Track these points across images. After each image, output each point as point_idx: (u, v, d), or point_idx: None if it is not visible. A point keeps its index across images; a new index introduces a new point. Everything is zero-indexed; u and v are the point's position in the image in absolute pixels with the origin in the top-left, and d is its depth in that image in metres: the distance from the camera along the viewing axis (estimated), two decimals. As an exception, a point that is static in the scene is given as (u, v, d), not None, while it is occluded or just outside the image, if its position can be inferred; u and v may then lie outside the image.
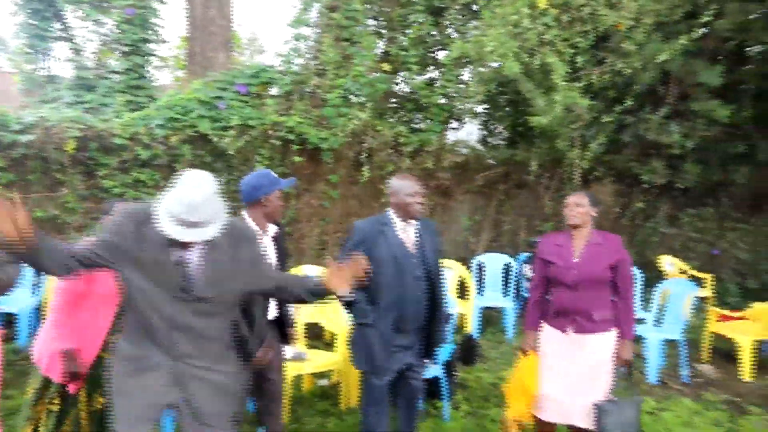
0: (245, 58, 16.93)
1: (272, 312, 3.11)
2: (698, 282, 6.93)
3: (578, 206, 3.11)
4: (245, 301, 2.53)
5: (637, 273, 6.27)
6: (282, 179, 3.04)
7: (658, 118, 5.82)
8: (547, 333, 3.26)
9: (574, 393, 3.11)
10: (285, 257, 3.21)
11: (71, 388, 2.81)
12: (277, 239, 3.12)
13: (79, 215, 5.31)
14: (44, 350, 2.82)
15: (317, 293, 2.33)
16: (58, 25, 6.54)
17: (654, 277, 6.75)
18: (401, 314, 3.10)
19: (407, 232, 3.14)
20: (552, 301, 3.25)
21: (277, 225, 3.15)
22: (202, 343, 2.24)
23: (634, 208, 7.62)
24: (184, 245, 2.08)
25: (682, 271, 7.39)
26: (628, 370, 3.18)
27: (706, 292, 7.12)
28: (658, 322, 5.51)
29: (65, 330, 2.77)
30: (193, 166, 5.67)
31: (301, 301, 2.46)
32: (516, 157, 6.94)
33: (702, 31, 5.36)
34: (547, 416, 3.20)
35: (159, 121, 5.43)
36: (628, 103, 5.49)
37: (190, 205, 1.96)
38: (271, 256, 3.06)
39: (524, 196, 7.41)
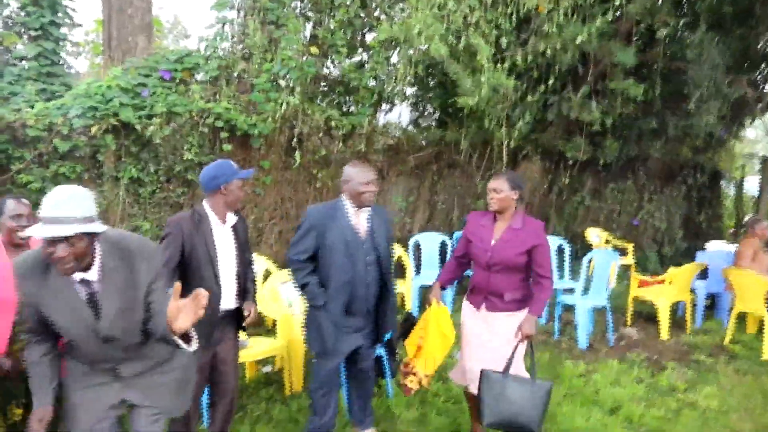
0: (168, 43, 16.29)
1: (229, 303, 3.08)
2: (621, 251, 7.37)
3: (496, 192, 3.16)
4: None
5: (565, 245, 6.58)
6: (242, 170, 3.07)
7: (579, 98, 6.08)
8: (465, 308, 3.42)
9: (485, 365, 3.19)
10: (246, 246, 3.19)
11: None
12: (237, 229, 3.12)
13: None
14: None
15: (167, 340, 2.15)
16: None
17: (582, 248, 7.11)
18: (351, 297, 3.18)
19: (359, 219, 3.21)
20: (470, 278, 3.40)
21: (237, 215, 3.14)
22: (142, 364, 2.31)
23: (561, 183, 7.96)
24: (87, 282, 2.07)
25: (607, 242, 7.82)
26: (530, 346, 3.25)
27: (629, 260, 7.59)
28: (586, 291, 5.82)
29: None
30: (118, 158, 5.44)
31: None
32: (447, 138, 7.07)
33: (617, 13, 5.63)
34: (472, 387, 3.28)
35: (77, 110, 5.15)
36: (551, 82, 5.70)
37: (53, 202, 1.93)
38: (229, 245, 3.06)
39: (456, 176, 7.58)
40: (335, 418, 3.41)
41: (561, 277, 6.52)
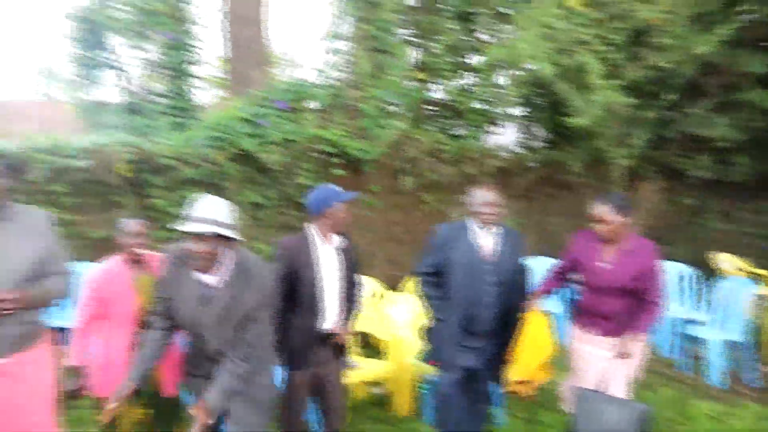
0: (283, 74, 17.31)
1: (332, 322, 3.17)
2: (757, 279, 6.69)
3: (604, 223, 3.03)
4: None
5: (688, 271, 6.10)
6: (344, 192, 3.17)
7: (701, 112, 5.65)
8: (574, 332, 3.31)
9: (595, 384, 3.11)
10: (354, 267, 3.28)
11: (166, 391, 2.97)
12: (346, 250, 3.22)
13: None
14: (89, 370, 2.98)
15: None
16: (105, 54, 6.82)
17: (707, 274, 6.55)
18: (471, 316, 3.21)
19: (485, 239, 3.22)
20: (579, 300, 3.28)
21: (345, 236, 3.23)
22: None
23: (683, 205, 7.41)
24: (205, 284, 2.43)
25: (740, 269, 7.13)
26: (633, 369, 3.14)
27: (766, 290, 6.86)
28: (718, 323, 5.35)
29: (79, 347, 2.91)
30: (240, 183, 5.82)
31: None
32: (557, 159, 6.86)
33: (745, 18, 5.20)
34: None
35: (204, 140, 5.60)
36: (670, 98, 5.35)
37: (200, 206, 2.37)
38: (335, 266, 3.15)
39: (568, 198, 7.30)
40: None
41: (685, 306, 6.04)
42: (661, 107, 5.59)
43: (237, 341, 2.46)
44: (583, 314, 3.24)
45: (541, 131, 7.64)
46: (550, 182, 7.21)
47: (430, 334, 3.40)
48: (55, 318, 3.15)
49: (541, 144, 7.62)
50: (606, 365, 3.11)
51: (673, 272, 6.14)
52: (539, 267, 6.41)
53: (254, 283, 2.44)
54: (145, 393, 2.91)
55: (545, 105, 7.10)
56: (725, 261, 7.19)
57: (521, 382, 3.29)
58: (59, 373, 2.70)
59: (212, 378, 2.50)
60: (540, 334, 3.23)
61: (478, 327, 3.23)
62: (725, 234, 7.61)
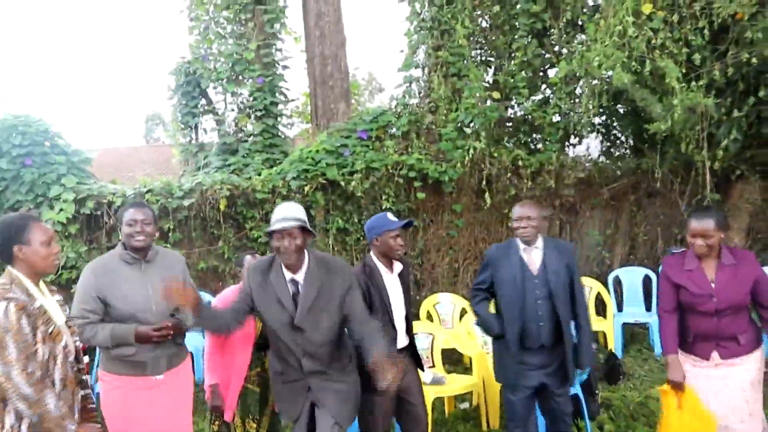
0: (365, 99, 17.95)
1: (402, 341, 3.34)
2: None
3: (706, 237, 2.90)
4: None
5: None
6: (396, 220, 3.31)
7: (801, 105, 5.32)
8: (687, 361, 3.06)
9: (730, 421, 2.92)
10: (408, 294, 3.45)
11: (227, 416, 3.27)
12: (402, 275, 3.38)
13: (233, 264, 6.00)
14: (206, 386, 3.35)
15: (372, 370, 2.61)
16: (203, 101, 7.52)
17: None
18: (524, 331, 3.25)
19: (530, 255, 3.30)
20: (688, 327, 3.06)
21: (403, 262, 3.41)
22: (324, 363, 2.81)
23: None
24: (294, 282, 2.74)
25: None
26: None
27: None
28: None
29: (213, 368, 3.28)
30: (327, 211, 6.18)
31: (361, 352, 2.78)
32: (643, 166, 6.68)
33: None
34: None
35: (293, 173, 6.02)
36: (761, 94, 5.10)
37: (281, 210, 2.75)
38: (398, 290, 3.33)
39: (658, 205, 7.06)
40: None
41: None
42: (753, 104, 5.32)
43: (354, 329, 2.79)
44: (701, 341, 3.03)
45: (625, 139, 7.46)
46: (637, 190, 7.02)
47: (494, 356, 3.47)
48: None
49: (626, 152, 7.44)
50: (737, 388, 2.94)
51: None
52: (631, 277, 6.29)
53: (337, 274, 2.78)
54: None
55: (627, 112, 6.96)
56: None
57: None
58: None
59: (308, 381, 2.81)
60: (699, 408, 2.94)
61: (533, 341, 3.25)
62: None
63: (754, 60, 4.83)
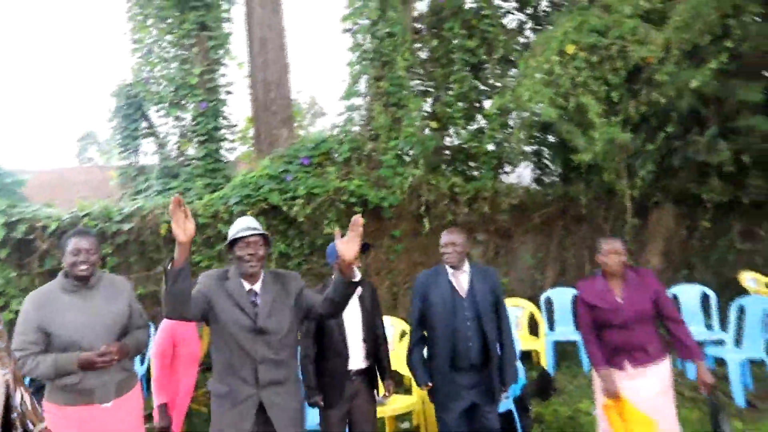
0: (307, 122, 18.09)
1: (358, 363, 3.46)
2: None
3: (617, 254, 3.31)
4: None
5: (710, 293, 6.20)
6: None
7: (705, 140, 5.89)
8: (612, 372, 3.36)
9: None
10: (374, 310, 3.62)
11: None
12: (363, 297, 3.55)
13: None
14: (155, 406, 3.38)
15: (339, 280, 2.71)
16: (144, 124, 7.47)
17: (735, 296, 6.62)
18: (454, 353, 3.43)
19: (458, 278, 3.50)
20: (604, 342, 3.39)
21: (364, 283, 3.53)
22: (280, 373, 2.78)
23: (702, 228, 7.53)
24: (253, 292, 2.79)
25: (767, 285, 7.15)
26: (714, 395, 3.32)
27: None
28: (743, 342, 5.43)
29: (161, 387, 3.31)
30: (269, 234, 6.24)
31: (338, 300, 2.80)
32: (570, 193, 7.12)
33: (735, 50, 5.49)
34: None
35: (235, 198, 6.07)
36: (670, 129, 5.63)
37: (245, 221, 2.88)
38: (355, 312, 3.50)
39: (585, 229, 7.53)
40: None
41: (709, 327, 6.13)
42: (664, 138, 5.84)
43: (316, 306, 2.84)
44: (615, 352, 3.35)
45: (554, 167, 7.93)
46: (566, 216, 7.46)
47: (421, 370, 3.59)
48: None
49: (555, 179, 7.90)
50: (650, 394, 3.24)
51: (694, 295, 6.26)
52: (561, 298, 6.65)
53: (288, 278, 2.91)
54: None
55: (556, 143, 7.43)
56: (751, 279, 7.24)
57: None
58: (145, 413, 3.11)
59: (260, 396, 2.72)
60: (639, 417, 3.17)
61: (463, 362, 3.42)
62: (746, 254, 7.68)
63: (662, 100, 5.33)
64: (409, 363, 3.63)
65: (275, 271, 2.95)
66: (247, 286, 2.80)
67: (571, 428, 4.62)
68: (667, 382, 3.31)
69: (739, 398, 5.05)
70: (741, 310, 5.51)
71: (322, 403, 3.40)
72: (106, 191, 9.77)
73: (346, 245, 2.57)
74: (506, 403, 4.15)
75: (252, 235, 2.77)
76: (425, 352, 3.62)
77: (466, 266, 3.53)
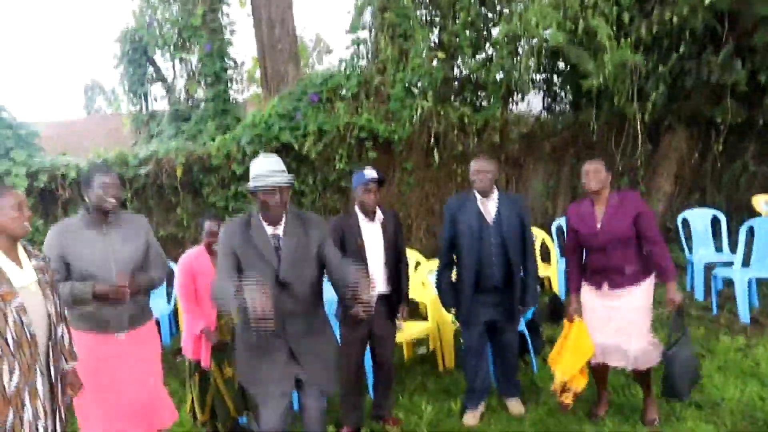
0: (313, 61, 17.84)
1: (379, 287, 3.51)
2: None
3: (597, 173, 3.36)
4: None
5: (721, 216, 6.25)
6: (366, 175, 3.52)
7: (719, 60, 5.76)
8: (585, 290, 3.57)
9: (616, 339, 3.43)
10: (395, 238, 3.68)
11: (204, 363, 3.52)
12: (385, 224, 3.64)
13: (192, 230, 6.14)
14: (186, 340, 3.57)
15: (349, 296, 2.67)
16: (151, 69, 7.45)
17: (747, 219, 6.66)
18: (479, 275, 3.61)
19: (486, 206, 3.62)
20: (587, 262, 3.56)
21: (388, 213, 3.68)
22: (307, 324, 2.80)
23: (715, 151, 7.48)
24: (276, 236, 2.74)
25: (780, 209, 7.16)
26: (680, 312, 3.42)
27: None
28: (746, 263, 5.52)
29: (193, 317, 3.50)
30: (282, 173, 6.34)
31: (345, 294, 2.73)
32: (581, 120, 7.08)
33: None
34: (594, 359, 3.51)
35: (247, 138, 6.14)
36: (682, 50, 5.51)
37: (266, 162, 2.73)
38: (377, 238, 3.60)
39: (596, 156, 7.50)
40: (486, 383, 3.82)
41: (719, 249, 6.22)
42: (677, 59, 5.73)
43: (334, 274, 2.76)
44: (594, 273, 3.51)
45: (564, 95, 7.84)
46: (576, 143, 7.44)
47: (447, 295, 3.81)
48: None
49: (566, 107, 7.83)
50: (626, 313, 3.41)
51: (705, 218, 6.32)
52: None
53: (312, 225, 2.83)
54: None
55: (565, 69, 7.31)
56: (765, 202, 7.24)
57: (563, 390, 3.52)
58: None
59: (290, 337, 2.73)
60: (581, 338, 3.47)
61: (487, 283, 3.62)
62: (760, 177, 7.65)
63: (675, 19, 5.20)
64: (438, 286, 3.84)
65: (298, 213, 2.86)
66: (269, 230, 2.75)
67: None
68: (644, 302, 3.41)
69: (745, 315, 5.20)
70: (751, 232, 5.57)
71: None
72: (118, 139, 9.87)
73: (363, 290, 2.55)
74: (517, 324, 4.33)
75: (279, 184, 2.66)
76: (453, 274, 3.80)
77: (495, 194, 3.63)
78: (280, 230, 2.77)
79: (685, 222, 6.31)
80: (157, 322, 5.63)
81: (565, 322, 3.59)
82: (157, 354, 3.22)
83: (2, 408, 2.29)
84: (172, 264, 4.74)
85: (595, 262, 3.49)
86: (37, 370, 2.44)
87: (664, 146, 7.05)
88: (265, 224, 2.76)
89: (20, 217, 2.43)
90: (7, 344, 2.32)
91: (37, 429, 2.40)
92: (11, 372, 2.33)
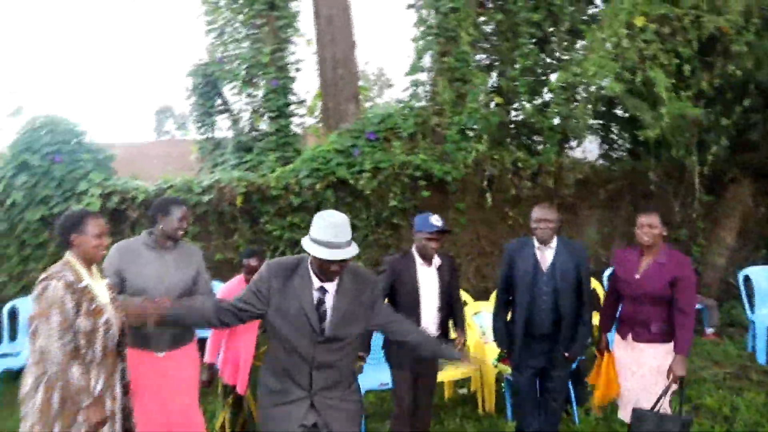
0: (374, 93, 18.33)
1: (430, 330, 3.58)
2: None
3: (651, 228, 3.34)
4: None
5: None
6: (434, 224, 3.59)
7: (786, 113, 5.63)
8: (615, 337, 3.61)
9: (632, 393, 3.44)
10: (450, 284, 3.78)
11: (240, 390, 3.66)
12: (441, 269, 3.72)
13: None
14: (224, 365, 3.74)
15: (432, 353, 2.78)
16: (219, 101, 7.89)
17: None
18: (530, 320, 3.63)
19: (544, 253, 3.62)
20: (621, 310, 3.59)
21: (445, 257, 3.79)
22: (335, 377, 2.63)
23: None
24: (323, 290, 2.54)
25: None
26: (680, 385, 3.34)
27: None
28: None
29: (212, 349, 3.72)
30: (336, 208, 6.53)
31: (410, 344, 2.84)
32: (638, 168, 6.99)
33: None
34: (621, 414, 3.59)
35: (305, 172, 6.38)
36: (746, 103, 5.42)
37: (335, 227, 2.44)
38: (432, 283, 3.68)
39: (653, 207, 7.36)
40: (534, 427, 3.78)
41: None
42: (741, 112, 5.63)
43: (391, 328, 2.78)
44: (623, 322, 3.55)
45: (622, 142, 7.77)
46: (634, 191, 7.33)
47: (501, 334, 3.84)
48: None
49: (623, 154, 7.75)
50: (646, 371, 3.39)
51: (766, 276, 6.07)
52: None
53: (367, 284, 2.65)
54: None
55: (623, 117, 7.27)
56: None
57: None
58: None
59: (312, 399, 2.58)
60: (609, 374, 3.62)
61: (538, 329, 3.63)
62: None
63: (738, 72, 5.14)
64: (494, 327, 3.88)
65: (354, 269, 2.65)
66: (317, 283, 2.53)
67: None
68: (662, 364, 3.34)
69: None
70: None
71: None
72: (183, 164, 10.40)
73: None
74: (565, 373, 4.27)
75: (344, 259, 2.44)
76: (509, 316, 3.86)
77: (554, 242, 3.60)
78: (330, 286, 2.55)
79: (746, 279, 6.08)
80: (202, 341, 5.87)
81: (599, 359, 3.71)
82: (195, 375, 3.36)
83: (97, 409, 2.58)
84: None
85: (626, 311, 3.51)
86: (116, 377, 2.75)
87: (728, 199, 6.87)
88: (313, 276, 2.54)
89: (101, 244, 2.69)
90: (95, 355, 2.62)
91: (114, 429, 2.70)
92: (97, 379, 2.63)
